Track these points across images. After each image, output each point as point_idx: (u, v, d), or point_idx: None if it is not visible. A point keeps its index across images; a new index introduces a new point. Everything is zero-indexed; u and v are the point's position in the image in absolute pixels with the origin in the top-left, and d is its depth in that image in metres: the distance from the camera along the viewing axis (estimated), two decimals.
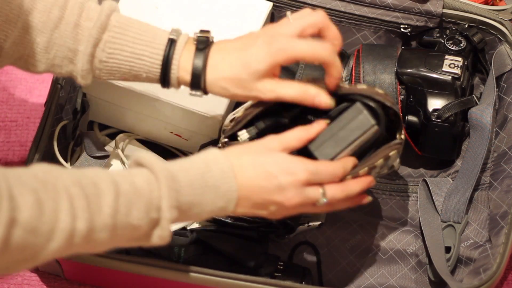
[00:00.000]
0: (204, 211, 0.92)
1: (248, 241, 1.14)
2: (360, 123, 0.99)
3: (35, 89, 1.34)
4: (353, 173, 0.99)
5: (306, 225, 1.18)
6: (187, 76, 1.00)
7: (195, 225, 1.16)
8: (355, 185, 0.99)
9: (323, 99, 0.99)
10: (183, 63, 1.00)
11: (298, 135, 0.98)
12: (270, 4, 1.25)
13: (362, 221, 1.22)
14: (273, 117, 1.03)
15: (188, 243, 1.12)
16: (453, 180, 1.23)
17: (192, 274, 1.05)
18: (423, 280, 1.18)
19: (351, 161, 0.99)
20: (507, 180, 1.17)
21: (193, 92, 1.01)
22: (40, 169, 0.84)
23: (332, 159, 0.99)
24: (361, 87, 1.01)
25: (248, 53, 0.98)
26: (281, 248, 1.19)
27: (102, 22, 1.00)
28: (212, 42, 1.01)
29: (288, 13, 1.00)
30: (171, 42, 1.00)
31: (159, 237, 0.90)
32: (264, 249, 1.15)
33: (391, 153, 1.02)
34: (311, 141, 0.99)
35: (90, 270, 1.12)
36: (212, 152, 0.94)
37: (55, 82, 1.19)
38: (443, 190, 1.21)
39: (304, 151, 0.99)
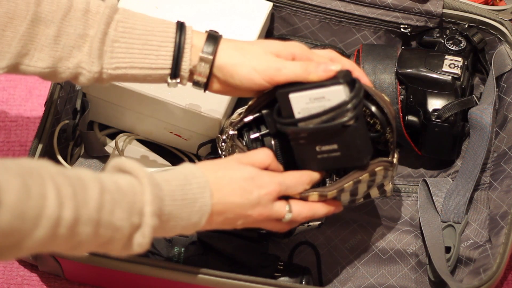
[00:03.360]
0: (178, 225, 0.92)
1: (248, 241, 1.14)
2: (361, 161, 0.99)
3: (35, 89, 1.34)
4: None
5: (306, 225, 1.18)
6: (200, 42, 1.00)
7: None
8: (322, 208, 1.02)
9: (329, 67, 0.98)
10: (196, 40, 1.00)
11: (262, 158, 0.99)
12: (270, 4, 1.25)
13: (362, 221, 1.22)
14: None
15: (188, 243, 1.12)
16: (453, 180, 1.23)
17: (192, 274, 1.05)
18: (423, 280, 1.18)
19: (318, 174, 1.02)
20: (507, 180, 1.17)
21: (201, 66, 1.00)
22: (24, 160, 0.82)
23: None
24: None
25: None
26: (281, 248, 1.19)
27: (113, 3, 1.00)
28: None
29: None
30: (181, 24, 1.01)
31: (139, 245, 0.88)
32: (264, 249, 1.15)
33: (377, 169, 1.01)
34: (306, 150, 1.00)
35: (90, 270, 1.12)
36: (188, 167, 0.95)
37: (55, 82, 1.19)
38: (443, 190, 1.21)
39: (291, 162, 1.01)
